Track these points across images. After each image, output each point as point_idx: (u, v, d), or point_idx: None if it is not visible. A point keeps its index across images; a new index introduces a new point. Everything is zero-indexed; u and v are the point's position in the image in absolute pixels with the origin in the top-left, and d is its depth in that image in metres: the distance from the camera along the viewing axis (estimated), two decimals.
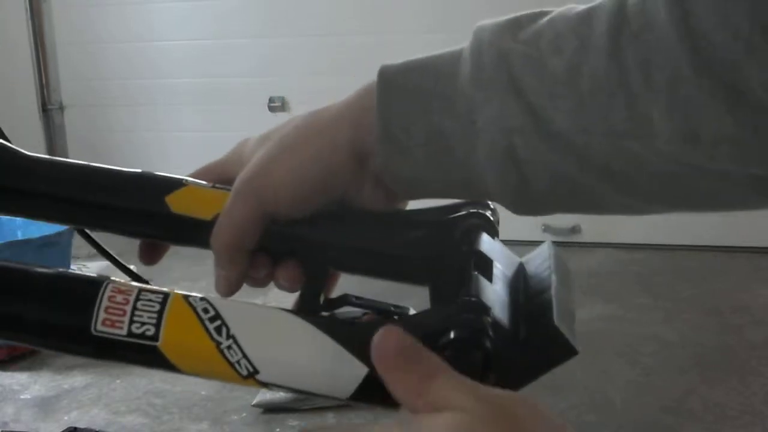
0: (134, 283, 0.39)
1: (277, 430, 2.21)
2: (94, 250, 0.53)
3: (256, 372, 0.37)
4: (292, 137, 0.48)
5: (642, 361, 2.50)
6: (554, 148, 0.41)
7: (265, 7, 3.77)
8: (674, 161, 0.40)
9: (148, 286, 0.39)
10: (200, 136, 3.86)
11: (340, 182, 0.45)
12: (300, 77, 3.78)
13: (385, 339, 0.34)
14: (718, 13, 0.36)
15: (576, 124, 0.41)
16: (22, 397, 2.46)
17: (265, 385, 0.38)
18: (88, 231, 0.51)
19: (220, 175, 0.48)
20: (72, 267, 2.95)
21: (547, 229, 3.35)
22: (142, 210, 0.46)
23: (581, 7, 0.44)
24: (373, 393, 0.38)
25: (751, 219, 3.10)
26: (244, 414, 2.29)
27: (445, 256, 0.42)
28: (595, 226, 3.35)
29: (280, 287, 0.46)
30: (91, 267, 3.29)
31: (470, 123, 0.44)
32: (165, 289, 0.39)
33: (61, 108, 3.94)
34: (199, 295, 0.39)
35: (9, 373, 2.59)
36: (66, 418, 2.32)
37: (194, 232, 0.45)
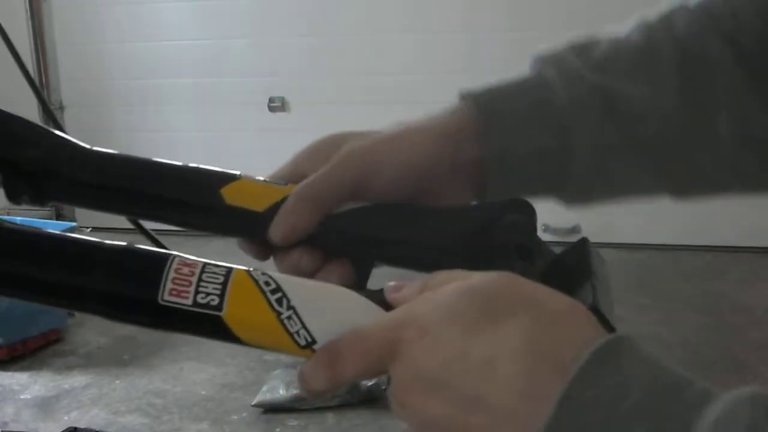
0: (199, 258, 0.40)
1: (277, 430, 2.21)
2: None
3: (314, 342, 0.39)
4: (399, 129, 0.52)
5: None
6: (637, 156, 0.52)
7: (266, 7, 3.77)
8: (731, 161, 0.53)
9: (213, 261, 0.40)
10: (200, 136, 3.86)
11: (436, 176, 0.49)
12: (300, 77, 3.78)
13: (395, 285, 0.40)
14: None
15: (658, 140, 0.52)
16: (22, 397, 2.46)
17: None
18: (140, 222, 0.53)
19: (299, 173, 0.49)
20: None
21: (547, 228, 3.35)
22: (197, 201, 0.47)
23: (634, 36, 0.54)
24: None
25: (751, 219, 3.10)
26: (244, 414, 2.28)
27: (489, 250, 0.44)
28: (595, 226, 3.34)
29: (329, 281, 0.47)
30: None
31: (565, 143, 0.51)
32: (228, 264, 0.40)
33: (61, 108, 3.93)
34: (261, 270, 0.40)
35: (9, 373, 2.59)
36: (66, 418, 2.32)
37: (246, 224, 0.47)
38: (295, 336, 0.39)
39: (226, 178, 0.47)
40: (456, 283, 0.39)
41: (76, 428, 2.15)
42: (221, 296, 0.39)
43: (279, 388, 2.36)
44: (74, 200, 0.49)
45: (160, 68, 3.90)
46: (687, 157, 0.53)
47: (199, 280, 0.39)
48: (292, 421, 2.28)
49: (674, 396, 0.36)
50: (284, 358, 2.76)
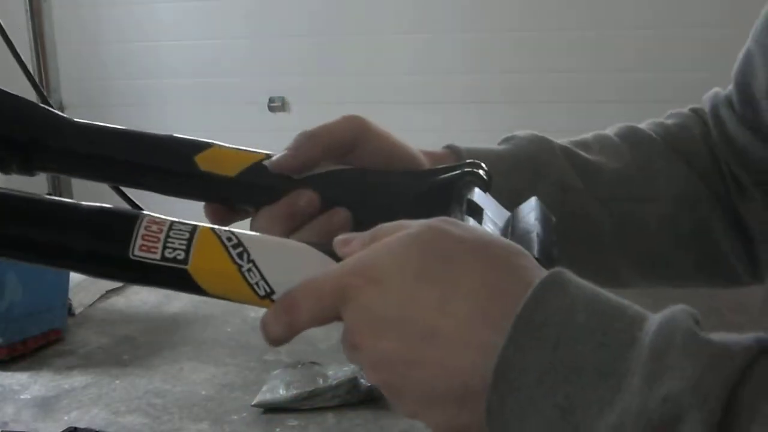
0: (168, 217, 0.44)
1: (277, 430, 2.21)
2: None
3: (273, 292, 0.43)
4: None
5: None
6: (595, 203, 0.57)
7: (266, 7, 3.77)
8: None
9: (180, 220, 0.44)
10: (200, 136, 3.86)
11: (414, 162, 0.56)
12: (300, 77, 3.79)
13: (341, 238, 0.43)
14: None
15: (611, 190, 0.60)
16: (22, 397, 2.46)
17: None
18: (122, 188, 0.56)
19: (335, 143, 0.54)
20: None
21: None
22: (173, 168, 0.52)
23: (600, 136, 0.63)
24: None
25: None
26: (244, 414, 2.28)
27: (445, 208, 0.48)
28: None
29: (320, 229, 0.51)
30: None
31: (535, 185, 0.56)
32: (195, 222, 0.44)
33: (61, 108, 3.93)
34: (225, 228, 0.44)
35: (9, 373, 2.59)
36: (66, 418, 2.31)
37: (219, 188, 0.51)
38: (255, 287, 0.43)
39: (201, 146, 0.51)
40: (402, 232, 0.42)
41: (76, 428, 2.15)
42: (187, 251, 0.43)
43: (279, 388, 2.37)
44: (60, 169, 0.53)
45: (160, 68, 3.91)
46: (634, 209, 0.59)
47: (167, 236, 0.43)
48: (292, 421, 2.28)
49: (617, 314, 0.41)
50: (284, 358, 2.76)
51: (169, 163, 0.52)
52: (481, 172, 0.51)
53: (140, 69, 3.95)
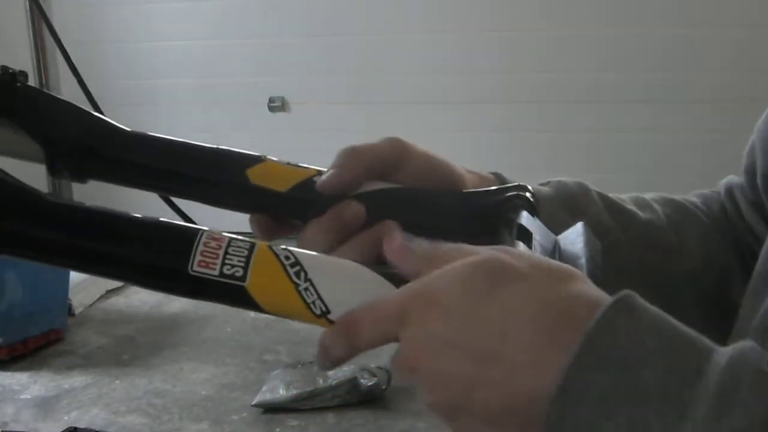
0: (226, 234, 0.44)
1: (277, 430, 2.21)
2: None
3: (329, 311, 0.43)
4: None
5: None
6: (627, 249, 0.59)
7: (265, 7, 3.77)
8: None
9: (238, 237, 0.44)
10: (200, 136, 3.81)
11: (457, 179, 0.55)
12: (300, 77, 3.78)
13: (390, 234, 0.44)
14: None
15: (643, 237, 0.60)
16: (22, 397, 2.46)
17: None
18: (172, 199, 0.56)
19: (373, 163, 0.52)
20: None
21: None
22: (224, 181, 0.51)
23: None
24: None
25: None
26: (244, 414, 2.28)
27: (494, 230, 0.47)
28: None
29: (362, 249, 0.50)
30: None
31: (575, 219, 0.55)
32: (252, 240, 0.44)
33: None
34: (282, 246, 0.44)
35: (9, 373, 2.59)
36: (66, 418, 2.32)
37: (270, 203, 0.51)
38: (312, 306, 0.42)
39: (252, 160, 0.51)
40: (467, 259, 0.41)
41: (76, 428, 2.15)
42: (245, 268, 0.42)
43: (279, 388, 2.37)
44: (110, 178, 0.53)
45: (160, 68, 3.90)
46: (662, 259, 0.60)
47: (226, 253, 0.43)
48: (292, 421, 2.28)
49: (685, 342, 0.40)
50: (284, 358, 2.76)
51: (221, 176, 0.51)
52: (528, 195, 0.50)
53: (140, 69, 3.94)
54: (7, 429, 2.31)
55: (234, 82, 3.88)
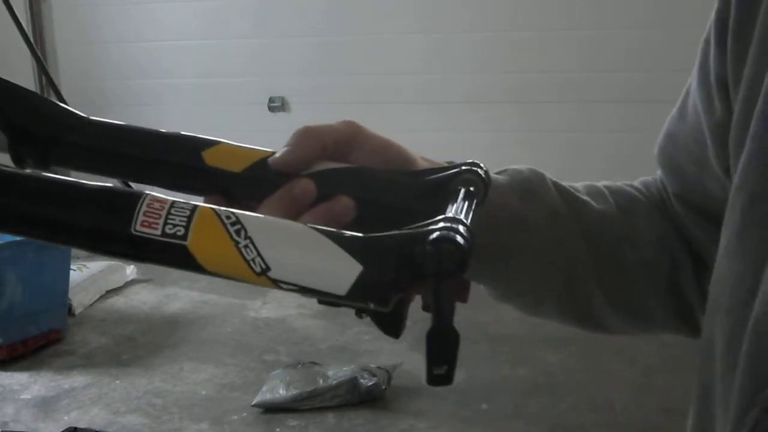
0: (169, 197, 0.45)
1: (277, 430, 2.21)
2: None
3: (268, 269, 0.43)
4: None
5: (642, 361, 2.49)
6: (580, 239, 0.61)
7: (265, 7, 3.77)
8: None
9: (181, 200, 0.45)
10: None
11: (411, 160, 0.56)
12: (300, 77, 3.78)
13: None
14: None
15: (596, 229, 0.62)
16: (22, 397, 2.46)
17: (275, 282, 0.43)
18: (130, 184, 0.57)
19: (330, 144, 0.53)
20: (72, 267, 2.95)
21: None
22: (181, 163, 0.52)
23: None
24: (365, 290, 0.43)
25: None
26: (244, 414, 2.28)
27: (442, 203, 0.47)
28: None
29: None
30: (91, 267, 3.29)
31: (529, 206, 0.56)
32: (196, 203, 0.45)
33: None
34: (225, 208, 0.45)
35: (9, 373, 2.59)
36: (66, 418, 2.32)
37: (225, 184, 0.52)
38: (251, 263, 0.43)
39: (208, 143, 0.53)
40: None
41: (76, 428, 2.15)
42: (186, 228, 0.44)
43: (279, 388, 2.37)
44: (73, 165, 0.54)
45: (160, 68, 3.91)
46: (616, 249, 0.60)
47: (168, 213, 0.44)
48: (292, 421, 2.28)
49: None
50: (284, 358, 2.76)
51: (177, 158, 0.54)
52: (479, 171, 0.52)
53: (140, 69, 3.94)
54: (7, 429, 2.31)
55: (234, 83, 3.88)
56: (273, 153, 0.52)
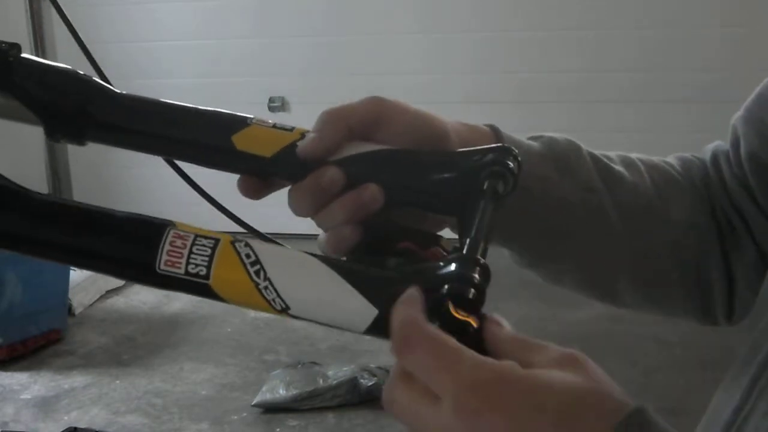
0: (190, 231, 0.47)
1: (277, 430, 2.21)
2: None
3: (288, 308, 0.46)
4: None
5: (642, 361, 2.49)
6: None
7: (265, 7, 3.77)
8: None
9: (203, 232, 0.47)
10: None
11: (443, 134, 0.54)
12: (300, 77, 3.78)
13: (402, 325, 0.41)
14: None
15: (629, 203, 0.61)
16: (22, 397, 2.46)
17: (297, 318, 0.46)
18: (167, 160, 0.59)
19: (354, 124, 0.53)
20: (72, 267, 2.95)
21: None
22: (211, 146, 0.53)
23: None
24: (381, 330, 0.44)
25: None
26: (244, 414, 2.28)
27: (470, 196, 0.49)
28: None
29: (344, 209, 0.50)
30: None
31: (563, 179, 0.56)
32: (217, 235, 0.47)
33: None
34: (244, 240, 0.47)
35: (9, 373, 2.59)
36: (66, 418, 2.32)
37: (256, 167, 0.52)
38: (272, 303, 0.45)
39: (238, 125, 0.53)
40: (553, 377, 0.39)
41: (76, 428, 2.15)
42: (208, 267, 0.46)
43: (279, 388, 2.37)
44: (106, 139, 0.55)
45: (161, 68, 3.91)
46: (645, 226, 0.60)
47: (190, 252, 0.46)
48: (292, 421, 2.28)
49: None
50: (284, 358, 2.76)
51: (208, 140, 0.54)
52: (510, 162, 0.50)
53: (140, 69, 3.94)
54: (7, 429, 2.31)
55: (234, 82, 3.88)
56: (302, 135, 0.52)
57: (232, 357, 2.74)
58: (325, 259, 0.47)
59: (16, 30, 3.75)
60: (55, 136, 0.54)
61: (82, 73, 0.55)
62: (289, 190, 0.51)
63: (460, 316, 0.42)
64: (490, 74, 3.68)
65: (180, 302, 3.21)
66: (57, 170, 3.50)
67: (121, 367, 2.69)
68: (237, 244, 0.46)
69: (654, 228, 0.60)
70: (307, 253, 0.47)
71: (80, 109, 0.54)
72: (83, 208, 0.49)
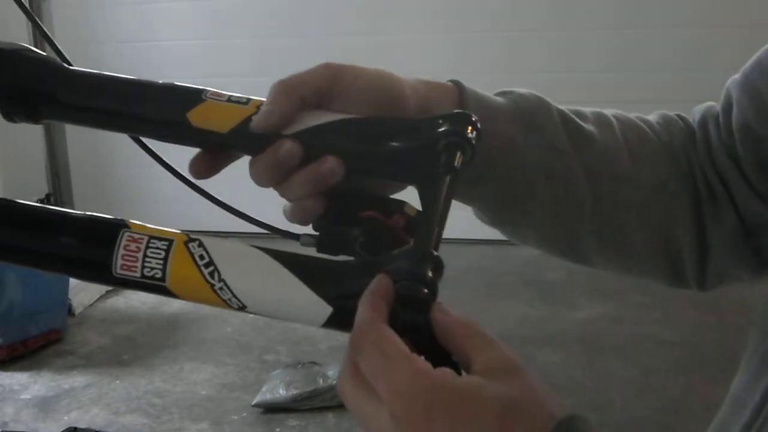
0: (144, 232, 0.47)
1: (277, 430, 2.21)
2: None
3: (245, 306, 0.46)
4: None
5: (642, 361, 2.49)
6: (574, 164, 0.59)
7: (265, 7, 3.77)
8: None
9: (157, 232, 0.47)
10: None
11: (400, 97, 0.53)
12: None
13: (363, 329, 0.42)
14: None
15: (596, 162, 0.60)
16: (22, 397, 2.46)
17: (255, 314, 0.47)
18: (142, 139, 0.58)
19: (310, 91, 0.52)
20: None
21: None
22: (166, 123, 0.52)
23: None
24: (341, 324, 0.46)
25: None
26: (244, 414, 2.29)
27: (428, 166, 0.48)
28: None
29: (300, 185, 0.50)
30: None
31: (526, 140, 0.55)
32: (171, 236, 0.47)
33: None
34: (198, 240, 0.47)
35: (9, 373, 2.59)
36: (66, 418, 2.32)
37: (213, 142, 0.52)
38: (229, 302, 0.46)
39: (193, 101, 0.52)
40: (490, 387, 0.39)
41: (76, 428, 2.15)
42: (163, 270, 0.46)
43: (279, 388, 2.37)
44: (61, 117, 0.54)
45: (160, 68, 3.91)
46: (613, 187, 0.59)
47: (144, 256, 0.46)
48: (292, 421, 2.29)
49: None
50: (284, 358, 2.76)
51: (162, 117, 0.53)
52: (467, 130, 0.49)
53: (140, 69, 3.93)
54: (7, 429, 2.31)
55: (234, 82, 3.87)
56: (258, 107, 0.52)
57: (232, 357, 2.74)
58: (279, 256, 0.47)
59: (16, 30, 3.75)
60: (10, 116, 0.54)
61: (35, 50, 0.54)
62: (249, 163, 0.51)
63: (409, 316, 0.42)
64: (492, 74, 3.68)
65: (180, 302, 3.20)
66: (57, 170, 3.51)
67: (121, 367, 2.69)
68: (190, 245, 0.47)
69: (620, 189, 0.59)
70: (262, 249, 0.47)
71: (33, 88, 0.53)
72: (37, 210, 0.49)
